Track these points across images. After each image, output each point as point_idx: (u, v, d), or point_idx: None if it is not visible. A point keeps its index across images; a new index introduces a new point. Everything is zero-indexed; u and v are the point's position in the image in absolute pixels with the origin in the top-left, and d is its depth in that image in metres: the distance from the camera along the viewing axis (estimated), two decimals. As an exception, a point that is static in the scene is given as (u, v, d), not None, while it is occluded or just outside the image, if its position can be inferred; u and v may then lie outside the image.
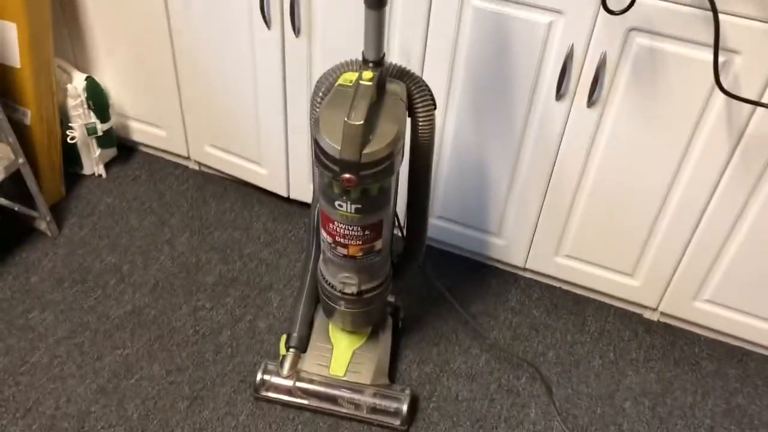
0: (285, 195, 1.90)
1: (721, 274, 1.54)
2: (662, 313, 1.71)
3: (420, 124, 1.25)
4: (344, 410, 1.46)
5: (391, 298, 1.53)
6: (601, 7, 1.24)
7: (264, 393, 1.49)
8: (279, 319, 1.67)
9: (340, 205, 1.21)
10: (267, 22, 1.56)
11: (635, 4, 1.22)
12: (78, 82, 1.81)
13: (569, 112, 1.43)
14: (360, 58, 1.21)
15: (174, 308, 1.67)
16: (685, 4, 1.22)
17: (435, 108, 1.25)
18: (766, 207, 1.40)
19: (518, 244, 1.70)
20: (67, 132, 1.86)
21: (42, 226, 1.81)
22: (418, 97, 1.24)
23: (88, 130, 1.88)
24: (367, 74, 1.15)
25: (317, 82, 1.26)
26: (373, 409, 1.45)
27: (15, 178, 1.69)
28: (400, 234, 1.55)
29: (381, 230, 1.28)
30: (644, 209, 1.51)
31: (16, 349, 1.56)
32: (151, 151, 2.08)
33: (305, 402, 1.47)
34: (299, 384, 1.47)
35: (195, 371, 1.55)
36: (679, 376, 1.62)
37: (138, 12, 1.73)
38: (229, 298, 1.71)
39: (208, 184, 2.01)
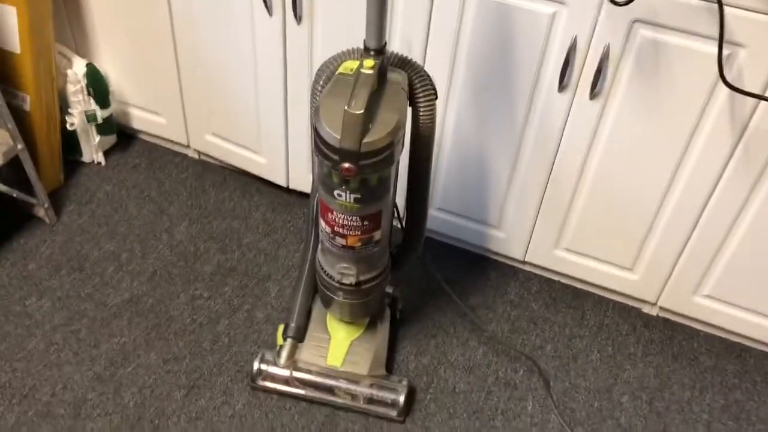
0: (284, 185, 1.90)
1: (722, 269, 1.53)
2: (661, 308, 1.71)
3: (421, 113, 1.25)
4: (341, 401, 1.46)
5: (389, 290, 1.53)
6: (605, -2, 1.23)
7: (261, 383, 1.48)
8: (277, 309, 1.66)
9: (339, 195, 1.20)
10: (268, 8, 1.54)
11: (640, -4, 1.21)
12: (78, 68, 1.80)
13: (571, 104, 1.42)
14: (361, 47, 1.20)
15: (172, 297, 1.67)
16: (690, -4, 1.21)
17: (436, 98, 1.24)
18: (767, 203, 1.39)
19: (518, 237, 1.69)
20: (67, 118, 1.85)
21: (40, 212, 1.81)
22: (419, 87, 1.23)
23: (87, 117, 1.87)
24: (369, 62, 1.14)
25: (318, 70, 1.26)
26: (370, 400, 1.45)
27: (13, 164, 1.68)
28: (399, 225, 1.54)
29: (380, 221, 1.27)
30: (645, 203, 1.51)
31: (13, 336, 1.56)
32: (151, 139, 2.07)
33: (302, 392, 1.47)
34: (296, 374, 1.47)
35: (192, 360, 1.54)
36: (677, 371, 1.61)
37: (138, -2, 1.72)
38: (227, 287, 1.70)
39: (207, 173, 2.00)
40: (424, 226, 1.45)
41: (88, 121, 1.88)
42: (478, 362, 1.59)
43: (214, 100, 1.82)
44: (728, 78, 1.24)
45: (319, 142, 1.15)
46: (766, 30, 1.20)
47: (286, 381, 1.47)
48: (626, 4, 1.22)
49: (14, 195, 1.72)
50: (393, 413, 1.45)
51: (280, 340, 1.51)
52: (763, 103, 1.28)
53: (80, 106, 1.85)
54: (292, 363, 1.48)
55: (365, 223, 1.25)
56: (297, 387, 1.47)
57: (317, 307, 1.55)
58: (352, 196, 1.20)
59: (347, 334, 1.51)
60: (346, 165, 1.13)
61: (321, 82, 1.24)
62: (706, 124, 1.35)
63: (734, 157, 1.36)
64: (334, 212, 1.24)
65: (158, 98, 1.91)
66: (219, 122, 1.86)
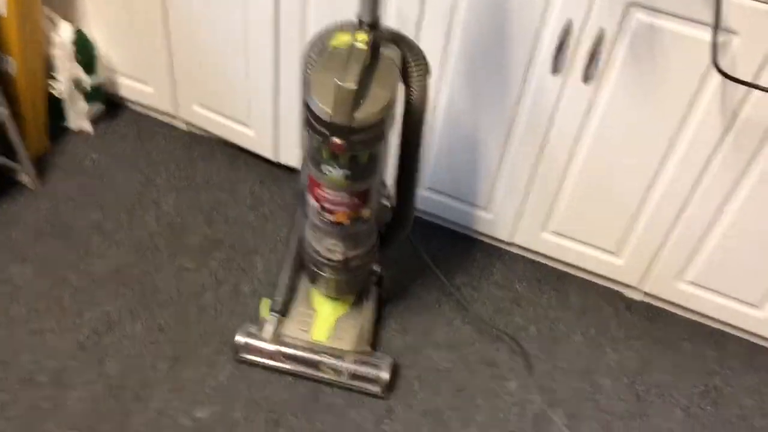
0: (273, 159, 1.88)
1: (706, 256, 1.54)
2: (645, 293, 1.72)
3: (413, 90, 1.24)
4: (325, 375, 1.46)
5: (376, 267, 1.53)
6: (603, -20, 1.22)
7: (245, 356, 1.48)
8: (263, 283, 1.66)
9: (329, 170, 1.19)
10: (261, -21, 1.52)
11: (637, -21, 1.20)
12: (66, 33, 1.77)
13: (564, 86, 1.42)
14: (355, 20, 1.18)
15: (158, 268, 1.66)
16: (687, -19, 1.21)
17: (429, 75, 1.23)
18: (753, 191, 1.40)
19: (505, 218, 1.70)
20: (52, 83, 1.82)
21: (24, 179, 1.78)
22: (412, 63, 1.22)
23: (75, 83, 1.84)
24: (362, 36, 1.13)
25: (310, 41, 1.24)
26: (354, 376, 1.46)
27: (-2, 128, 1.66)
28: (388, 204, 1.53)
29: (369, 198, 1.27)
30: (633, 188, 1.51)
31: (-4, 302, 1.55)
32: (140, 109, 2.04)
33: (286, 366, 1.47)
34: (281, 348, 1.47)
35: (177, 332, 1.54)
36: (658, 355, 1.63)
37: (129, -36, 1.69)
38: (213, 260, 1.70)
39: (195, 145, 1.98)
40: (414, 205, 1.44)
41: (76, 88, 1.85)
42: (462, 341, 1.60)
43: (203, 69, 1.79)
44: (721, 65, 1.24)
45: (310, 116, 1.14)
46: (760, 18, 1.20)
47: (271, 355, 1.47)
48: (623, -14, 1.22)
49: (-2, 160, 1.70)
50: (376, 389, 1.46)
51: (263, 314, 1.51)
52: (754, 91, 1.28)
53: (67, 72, 1.82)
54: (277, 337, 1.48)
55: (354, 199, 1.25)
56: (281, 361, 1.47)
57: (303, 283, 1.55)
58: (342, 171, 1.19)
59: (333, 310, 1.51)
60: (336, 140, 1.12)
61: (313, 55, 1.22)
62: (697, 111, 1.35)
63: (723, 145, 1.37)
64: (323, 187, 1.24)
65: (146, 66, 1.88)
66: (208, 92, 1.84)
